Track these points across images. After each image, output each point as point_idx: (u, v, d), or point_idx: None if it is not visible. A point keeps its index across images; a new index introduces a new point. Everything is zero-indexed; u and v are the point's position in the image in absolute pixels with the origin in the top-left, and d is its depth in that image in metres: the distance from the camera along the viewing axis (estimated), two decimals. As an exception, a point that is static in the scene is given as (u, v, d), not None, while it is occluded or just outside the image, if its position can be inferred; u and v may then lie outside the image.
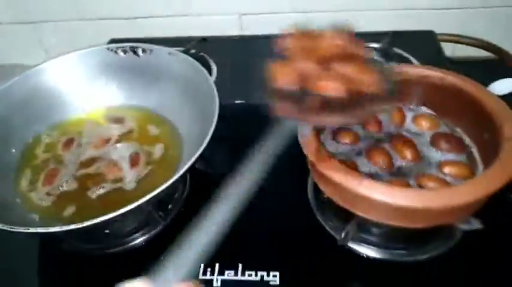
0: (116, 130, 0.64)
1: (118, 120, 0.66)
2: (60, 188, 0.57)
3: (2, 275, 0.54)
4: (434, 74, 0.54)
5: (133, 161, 0.59)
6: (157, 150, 0.61)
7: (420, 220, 0.43)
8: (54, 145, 0.62)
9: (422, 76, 0.55)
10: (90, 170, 0.59)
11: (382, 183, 0.42)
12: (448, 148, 0.51)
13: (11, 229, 0.41)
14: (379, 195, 0.40)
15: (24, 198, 0.56)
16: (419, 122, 0.54)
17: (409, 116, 0.55)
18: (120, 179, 0.57)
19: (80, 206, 0.54)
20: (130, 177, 0.57)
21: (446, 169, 0.48)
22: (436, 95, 0.54)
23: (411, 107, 0.57)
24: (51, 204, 0.55)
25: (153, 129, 0.64)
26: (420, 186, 0.47)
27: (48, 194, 0.56)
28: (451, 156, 0.50)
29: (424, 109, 0.56)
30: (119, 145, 0.62)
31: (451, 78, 0.53)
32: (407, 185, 0.47)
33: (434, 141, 0.52)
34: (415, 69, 0.56)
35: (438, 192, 0.41)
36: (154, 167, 0.59)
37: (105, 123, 0.66)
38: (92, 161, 0.60)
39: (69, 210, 0.54)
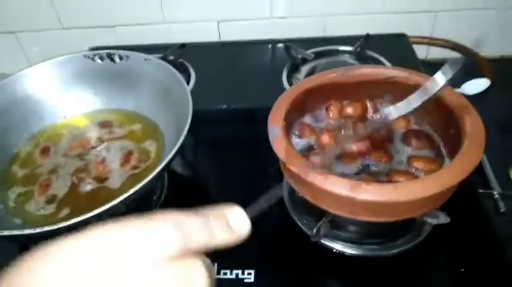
0: (97, 132, 0.66)
1: (100, 123, 0.68)
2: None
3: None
4: (400, 74, 0.56)
5: (125, 160, 0.61)
6: (149, 147, 0.63)
7: (386, 213, 0.45)
8: (34, 154, 0.63)
9: (390, 76, 0.57)
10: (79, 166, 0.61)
11: (346, 179, 0.43)
12: (419, 144, 0.53)
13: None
14: (344, 190, 0.42)
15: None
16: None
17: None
18: (105, 179, 0.59)
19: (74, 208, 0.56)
20: (116, 176, 0.59)
21: (415, 164, 0.50)
22: (404, 94, 0.56)
23: (381, 105, 0.59)
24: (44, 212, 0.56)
25: (137, 128, 0.66)
26: (391, 182, 0.48)
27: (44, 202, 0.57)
28: (421, 152, 0.52)
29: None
30: (105, 144, 0.64)
31: (416, 77, 0.55)
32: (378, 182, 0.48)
33: (405, 139, 0.54)
34: (383, 70, 0.58)
35: (400, 186, 0.43)
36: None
37: (87, 126, 0.67)
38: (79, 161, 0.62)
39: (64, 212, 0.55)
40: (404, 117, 0.56)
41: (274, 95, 0.75)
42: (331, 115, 0.58)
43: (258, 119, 0.77)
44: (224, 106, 0.79)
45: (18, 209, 0.56)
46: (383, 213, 0.45)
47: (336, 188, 0.42)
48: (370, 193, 0.41)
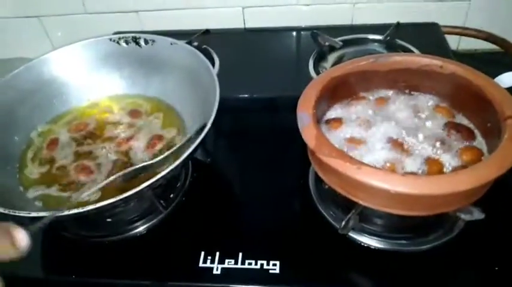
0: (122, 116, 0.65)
1: (127, 109, 0.67)
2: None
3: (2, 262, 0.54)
4: (435, 62, 0.54)
5: (151, 145, 0.61)
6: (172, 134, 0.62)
7: (419, 207, 0.43)
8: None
9: (423, 65, 0.55)
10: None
11: (381, 169, 0.42)
12: (459, 137, 0.50)
13: (14, 214, 0.41)
14: (378, 181, 0.40)
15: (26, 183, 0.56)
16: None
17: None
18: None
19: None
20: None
21: (464, 156, 0.48)
22: (439, 84, 0.54)
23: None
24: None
25: (160, 114, 0.65)
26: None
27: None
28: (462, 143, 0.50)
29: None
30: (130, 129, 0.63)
31: (451, 67, 0.53)
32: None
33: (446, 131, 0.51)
34: (416, 58, 0.56)
35: (437, 179, 0.41)
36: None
37: (113, 110, 0.67)
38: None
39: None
40: (444, 107, 0.54)
41: (300, 84, 0.74)
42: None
43: (283, 108, 0.76)
44: (247, 95, 0.77)
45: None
46: (416, 206, 0.43)
47: (370, 179, 0.40)
48: (405, 185, 0.40)
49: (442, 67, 0.53)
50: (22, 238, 0.32)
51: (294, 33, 0.91)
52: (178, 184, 0.59)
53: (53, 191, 0.55)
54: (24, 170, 0.58)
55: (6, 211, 0.41)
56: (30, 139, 0.62)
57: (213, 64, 0.81)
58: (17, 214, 0.41)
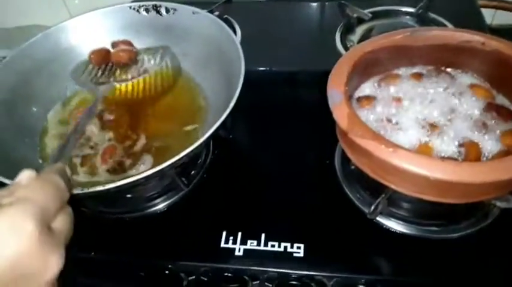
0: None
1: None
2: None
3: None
4: (476, 38, 0.50)
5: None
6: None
7: (458, 195, 0.41)
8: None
9: (464, 40, 0.51)
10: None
11: (418, 154, 0.39)
12: (500, 119, 0.47)
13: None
14: (415, 166, 0.38)
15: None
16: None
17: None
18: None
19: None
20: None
21: (506, 140, 0.45)
22: (480, 61, 0.50)
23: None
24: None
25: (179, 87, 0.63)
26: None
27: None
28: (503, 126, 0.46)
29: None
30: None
31: (494, 43, 0.49)
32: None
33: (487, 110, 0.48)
34: (456, 33, 0.52)
35: (480, 166, 0.38)
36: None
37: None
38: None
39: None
40: (483, 87, 0.51)
41: (326, 57, 0.70)
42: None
43: (307, 83, 0.73)
44: (270, 68, 0.74)
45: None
46: (453, 194, 0.41)
47: (406, 163, 0.38)
48: (445, 171, 0.37)
49: (484, 44, 0.50)
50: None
51: (319, 3, 0.86)
52: (199, 161, 0.57)
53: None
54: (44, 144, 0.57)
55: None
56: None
57: (235, 35, 0.77)
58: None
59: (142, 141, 0.56)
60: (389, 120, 0.48)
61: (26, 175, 0.29)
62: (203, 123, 0.57)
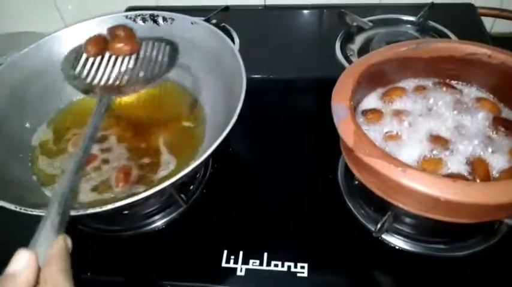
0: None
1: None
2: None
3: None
4: (481, 50, 0.49)
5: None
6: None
7: (468, 215, 0.39)
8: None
9: (469, 53, 0.50)
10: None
11: (428, 174, 0.38)
12: (507, 134, 0.46)
13: (25, 212, 0.38)
14: (425, 187, 0.36)
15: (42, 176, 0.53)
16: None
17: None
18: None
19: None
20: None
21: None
22: (486, 74, 0.49)
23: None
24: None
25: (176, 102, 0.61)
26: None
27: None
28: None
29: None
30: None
31: (501, 56, 0.48)
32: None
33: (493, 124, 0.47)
34: (461, 45, 0.51)
35: (492, 186, 0.37)
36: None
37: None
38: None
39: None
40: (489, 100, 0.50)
41: (325, 66, 0.69)
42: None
43: (307, 91, 0.72)
44: (269, 76, 0.73)
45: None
46: (463, 214, 0.40)
47: (416, 184, 0.37)
48: (456, 192, 0.36)
49: (491, 56, 0.49)
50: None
51: (318, 11, 0.85)
52: (198, 175, 0.55)
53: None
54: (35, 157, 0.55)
55: (18, 209, 0.38)
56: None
57: (233, 43, 0.76)
58: (28, 212, 0.38)
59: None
60: (393, 135, 0.47)
61: (23, 261, 0.28)
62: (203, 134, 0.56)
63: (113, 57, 0.56)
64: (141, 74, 0.55)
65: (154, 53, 0.57)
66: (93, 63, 0.56)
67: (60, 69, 0.55)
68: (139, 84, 0.54)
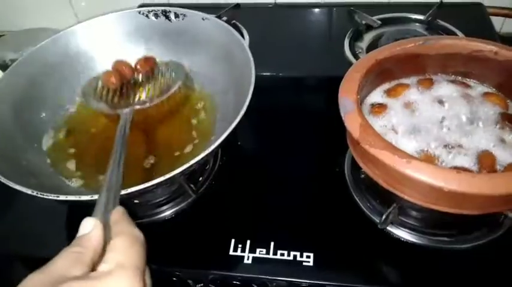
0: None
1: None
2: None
3: (29, 239, 0.54)
4: (487, 47, 0.50)
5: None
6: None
7: (472, 206, 0.40)
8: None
9: (476, 50, 0.50)
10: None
11: (433, 165, 0.38)
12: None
13: (42, 196, 0.40)
14: (430, 178, 0.37)
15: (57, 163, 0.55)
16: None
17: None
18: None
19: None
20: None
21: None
22: (492, 72, 0.50)
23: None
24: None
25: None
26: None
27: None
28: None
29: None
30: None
31: (507, 53, 0.49)
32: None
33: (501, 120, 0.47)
34: (468, 42, 0.51)
35: (495, 177, 0.38)
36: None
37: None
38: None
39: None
40: (497, 96, 0.50)
41: (334, 64, 0.70)
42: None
43: (316, 88, 0.73)
44: (279, 74, 0.74)
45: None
46: (468, 205, 0.40)
47: (421, 174, 0.37)
48: (460, 182, 0.37)
49: (497, 53, 0.49)
50: None
51: (327, 10, 0.86)
52: (208, 167, 0.57)
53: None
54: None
55: (35, 193, 0.40)
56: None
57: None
58: (44, 197, 0.39)
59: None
60: (400, 128, 0.48)
61: (90, 225, 0.30)
62: (212, 128, 0.57)
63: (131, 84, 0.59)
64: (157, 87, 0.58)
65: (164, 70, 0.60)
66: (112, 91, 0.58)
67: (83, 99, 0.58)
68: (157, 97, 0.56)
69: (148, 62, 0.60)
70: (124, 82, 0.58)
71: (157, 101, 0.55)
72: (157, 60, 0.61)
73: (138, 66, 0.60)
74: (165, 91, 0.56)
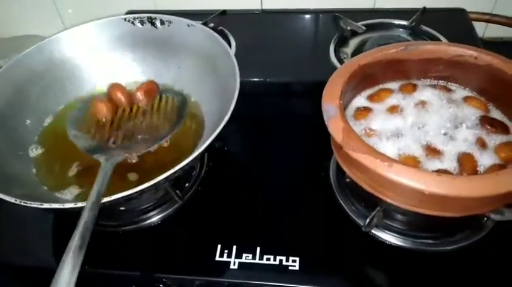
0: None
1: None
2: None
3: (15, 248, 0.53)
4: (468, 52, 0.51)
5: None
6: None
7: (453, 209, 0.41)
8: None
9: (456, 55, 0.51)
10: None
11: (414, 168, 0.39)
12: (494, 132, 0.47)
13: (25, 204, 0.40)
14: (411, 181, 0.38)
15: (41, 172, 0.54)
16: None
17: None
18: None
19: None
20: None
21: (501, 153, 0.45)
22: (472, 76, 0.51)
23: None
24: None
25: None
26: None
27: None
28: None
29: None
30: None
31: (487, 58, 0.50)
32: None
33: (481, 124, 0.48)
34: (449, 47, 0.52)
35: (476, 179, 0.38)
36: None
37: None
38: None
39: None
40: (477, 99, 0.51)
41: (319, 69, 0.71)
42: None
43: (301, 94, 0.73)
44: (264, 79, 0.74)
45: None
46: (449, 208, 0.41)
47: (402, 177, 0.38)
48: (440, 185, 0.37)
49: (477, 58, 0.50)
50: None
51: (313, 16, 0.87)
52: (194, 173, 0.57)
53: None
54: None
55: (18, 201, 0.39)
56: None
57: (230, 46, 0.78)
58: (28, 205, 0.39)
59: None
60: (382, 132, 0.48)
61: None
62: (199, 135, 0.57)
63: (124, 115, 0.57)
64: (150, 133, 0.55)
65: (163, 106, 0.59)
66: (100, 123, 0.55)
67: (70, 137, 0.55)
68: (150, 143, 0.53)
69: (151, 93, 0.57)
70: (117, 112, 0.56)
71: (152, 148, 0.52)
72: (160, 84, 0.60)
73: (139, 94, 0.57)
74: (160, 137, 0.54)
